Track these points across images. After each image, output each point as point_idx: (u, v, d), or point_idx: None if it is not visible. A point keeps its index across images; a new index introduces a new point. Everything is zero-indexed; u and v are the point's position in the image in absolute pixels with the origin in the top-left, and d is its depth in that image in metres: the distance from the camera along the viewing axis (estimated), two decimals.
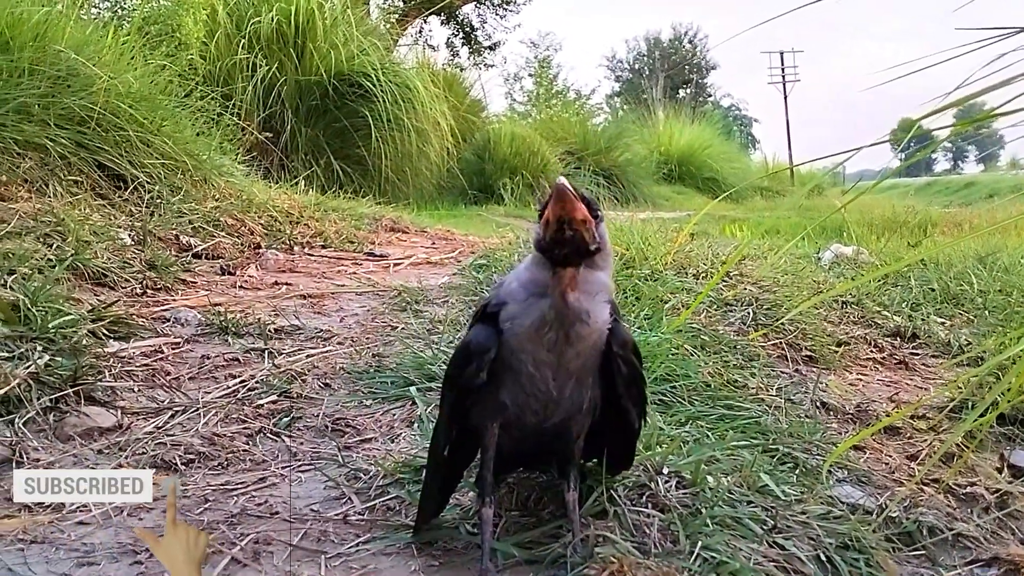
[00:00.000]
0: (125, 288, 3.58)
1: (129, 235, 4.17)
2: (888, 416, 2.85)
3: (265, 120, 9.47)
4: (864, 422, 2.87)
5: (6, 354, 2.37)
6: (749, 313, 3.63)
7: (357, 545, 1.69)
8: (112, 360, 2.63)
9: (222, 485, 1.99)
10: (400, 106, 10.09)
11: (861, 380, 3.41)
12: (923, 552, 1.87)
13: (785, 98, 49.27)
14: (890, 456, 2.59)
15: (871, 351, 3.76)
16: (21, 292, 2.73)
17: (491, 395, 1.57)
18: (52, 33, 4.88)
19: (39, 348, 2.45)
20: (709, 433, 2.31)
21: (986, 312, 4.32)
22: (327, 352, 3.07)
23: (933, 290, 4.71)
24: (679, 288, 3.76)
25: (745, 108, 66.52)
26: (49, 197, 4.17)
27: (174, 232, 4.57)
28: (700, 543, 1.62)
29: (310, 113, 10.03)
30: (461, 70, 21.72)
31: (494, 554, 1.61)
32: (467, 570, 1.61)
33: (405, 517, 1.81)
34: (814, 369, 3.34)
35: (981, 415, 1.98)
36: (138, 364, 2.71)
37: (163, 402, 2.48)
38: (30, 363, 2.33)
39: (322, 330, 3.36)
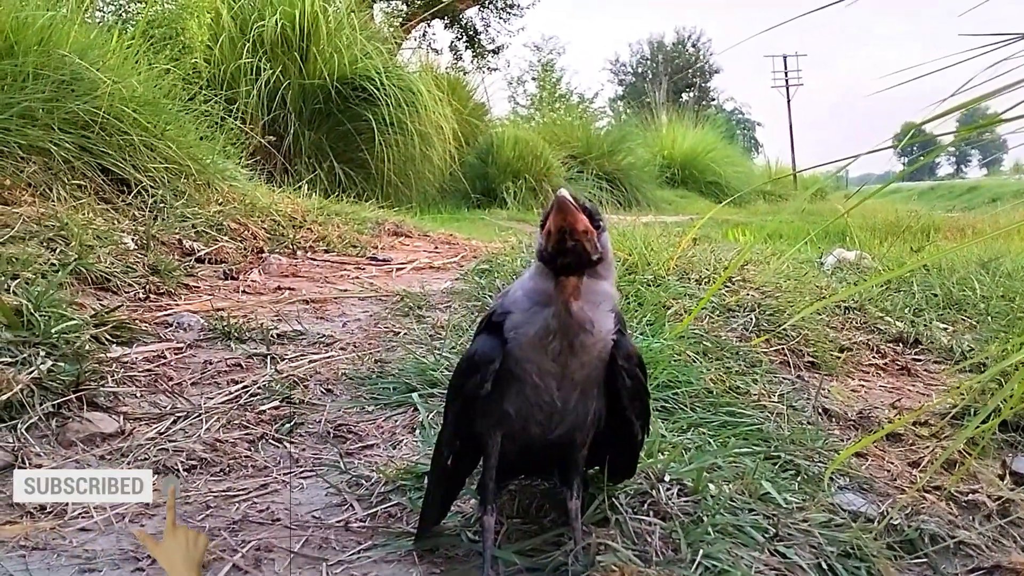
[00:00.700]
0: (128, 293, 3.58)
1: (132, 239, 4.17)
2: (890, 423, 2.85)
3: (268, 124, 9.48)
4: (866, 429, 2.87)
5: (9, 359, 2.37)
6: (751, 319, 3.63)
7: (359, 552, 1.69)
8: (115, 365, 2.63)
9: (224, 491, 1.99)
10: (403, 110, 10.10)
11: (863, 386, 3.41)
12: (925, 560, 1.87)
13: (788, 102, 49.34)
14: (892, 463, 2.59)
15: (873, 357, 3.76)
16: (24, 297, 2.73)
17: (495, 405, 1.57)
18: (56, 37, 4.89)
19: (42, 353, 2.45)
20: (711, 440, 2.31)
21: (989, 318, 4.32)
22: (329, 358, 3.07)
23: (936, 295, 4.71)
24: (681, 294, 3.76)
25: (748, 112, 66.67)
26: (53, 201, 4.17)
27: (177, 236, 4.57)
28: (702, 551, 1.62)
29: (313, 117, 10.04)
30: (464, 74, 21.75)
31: (496, 562, 1.61)
32: None
33: (407, 524, 1.81)
34: (816, 375, 3.34)
35: (983, 422, 1.98)
36: (141, 369, 2.71)
37: (165, 408, 2.49)
38: (33, 368, 2.34)
39: (324, 335, 3.36)
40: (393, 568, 1.64)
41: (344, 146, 10.13)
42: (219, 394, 2.62)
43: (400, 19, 20.61)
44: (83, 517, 1.82)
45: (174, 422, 2.38)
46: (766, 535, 1.74)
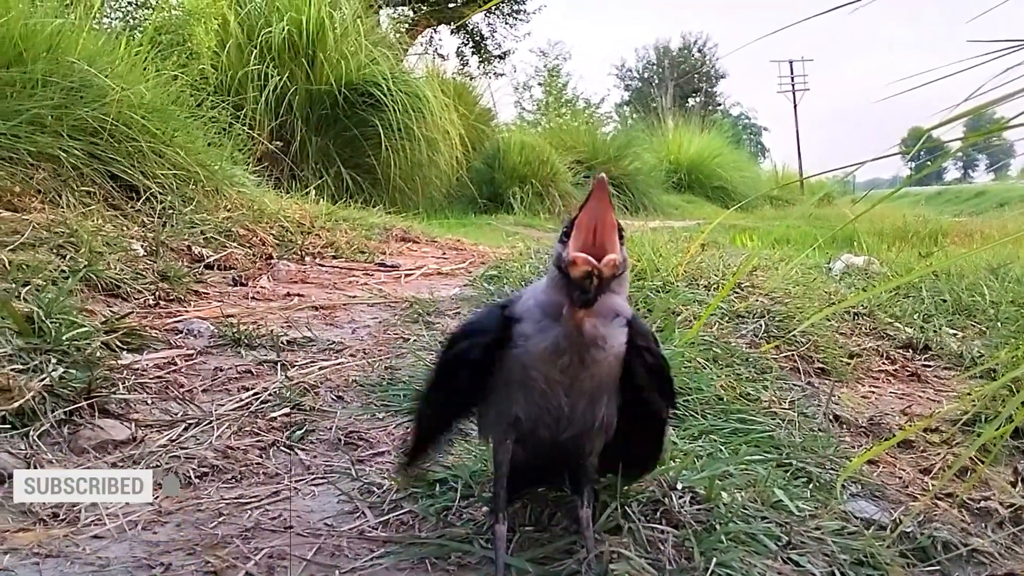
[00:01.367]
0: (138, 299, 3.58)
1: (142, 246, 4.18)
2: (902, 430, 2.84)
3: (276, 130, 9.51)
4: (877, 435, 2.87)
5: (21, 366, 2.38)
6: (761, 325, 3.62)
7: (372, 560, 1.69)
8: (125, 372, 2.64)
9: (236, 498, 1.99)
10: (410, 115, 10.12)
11: (873, 392, 3.40)
12: (938, 568, 1.87)
13: (795, 107, 49.23)
14: (903, 470, 2.59)
15: (883, 363, 3.76)
16: (35, 304, 2.73)
17: (504, 410, 1.57)
18: (65, 44, 4.91)
19: (53, 360, 2.45)
20: (722, 447, 2.30)
21: (998, 324, 4.31)
22: (339, 364, 3.07)
23: (945, 301, 4.70)
24: (691, 300, 3.75)
25: (754, 117, 66.53)
26: (62, 208, 4.18)
27: (186, 243, 4.58)
28: (715, 560, 1.61)
29: (320, 122, 10.06)
30: (471, 79, 21.76)
31: (508, 570, 1.60)
32: None
33: (419, 532, 1.81)
34: (826, 381, 3.34)
35: (996, 429, 1.98)
36: (151, 376, 2.71)
37: (176, 414, 2.49)
38: (44, 375, 2.34)
39: (334, 342, 3.37)
40: None
41: (351, 152, 10.15)
42: (230, 401, 2.62)
43: (406, 25, 20.64)
44: (96, 524, 1.82)
45: (185, 429, 2.38)
46: (779, 543, 1.73)
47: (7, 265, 3.21)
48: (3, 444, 2.10)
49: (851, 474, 2.27)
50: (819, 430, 2.71)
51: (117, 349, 2.86)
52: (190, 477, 2.09)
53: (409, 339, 3.46)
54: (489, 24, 28.72)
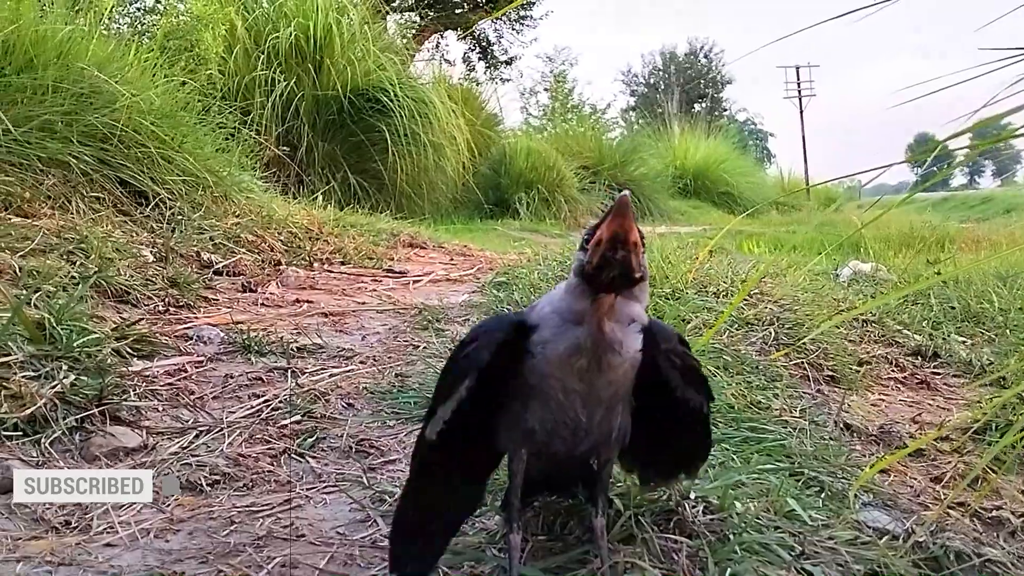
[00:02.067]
0: (148, 305, 3.59)
1: (151, 252, 4.19)
2: (913, 439, 2.84)
3: (283, 135, 9.53)
4: (887, 443, 2.86)
5: (32, 373, 2.38)
6: (770, 332, 3.62)
7: (384, 569, 1.69)
8: (136, 379, 2.64)
9: (248, 506, 1.99)
10: (417, 121, 10.13)
11: (883, 400, 3.40)
12: None
13: (801, 112, 49.29)
14: (915, 479, 2.58)
15: (892, 371, 3.75)
16: (46, 310, 2.74)
17: (519, 420, 1.56)
18: (75, 51, 4.93)
19: (64, 367, 2.46)
20: (734, 456, 2.30)
21: (1008, 331, 4.30)
22: (349, 371, 3.07)
23: (953, 308, 4.69)
24: (700, 307, 3.75)
25: (760, 122, 66.46)
26: (72, 214, 4.20)
27: (195, 249, 4.59)
28: (729, 570, 1.61)
29: (327, 128, 10.08)
30: (477, 84, 21.82)
31: None
32: None
33: None
34: (836, 389, 3.33)
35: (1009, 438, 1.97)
36: (162, 383, 2.71)
37: (187, 422, 2.49)
38: (56, 382, 2.34)
39: (344, 349, 3.37)
40: None
41: (357, 157, 10.16)
42: (241, 408, 2.62)
43: (413, 30, 20.66)
44: (108, 532, 1.82)
45: (196, 436, 2.38)
46: (792, 553, 1.72)
47: (18, 271, 3.22)
48: (15, 451, 2.10)
49: (863, 483, 2.26)
50: (830, 439, 2.70)
51: (128, 356, 2.86)
52: (201, 485, 2.09)
53: (419, 346, 3.46)
54: (496, 30, 28.77)
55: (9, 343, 2.46)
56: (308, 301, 4.30)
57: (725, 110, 61.67)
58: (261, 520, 1.91)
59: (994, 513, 2.32)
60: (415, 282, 5.29)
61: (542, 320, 1.51)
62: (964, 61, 1.95)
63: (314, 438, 2.43)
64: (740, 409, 2.72)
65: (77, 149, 4.49)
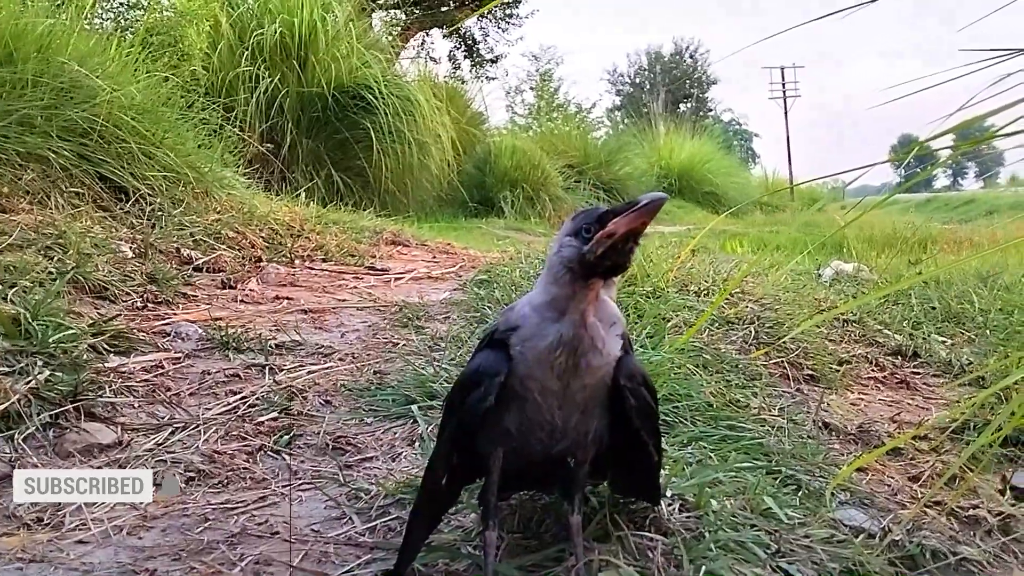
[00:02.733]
0: (126, 302, 3.57)
1: (130, 248, 4.16)
2: (891, 438, 2.84)
3: (266, 132, 9.49)
4: (866, 442, 2.86)
5: (6, 369, 2.36)
6: (751, 331, 3.62)
7: (359, 566, 1.68)
8: (112, 375, 2.62)
9: (222, 503, 1.98)
10: (401, 118, 10.11)
11: (862, 399, 3.40)
12: None
13: (785, 113, 49.50)
14: (892, 478, 2.58)
15: (872, 370, 3.76)
16: (22, 305, 2.72)
17: (497, 422, 1.56)
18: (56, 45, 4.89)
19: (39, 363, 2.44)
20: (712, 454, 2.30)
21: (987, 331, 4.32)
22: (328, 368, 3.06)
23: (934, 308, 4.70)
24: (681, 306, 3.75)
25: (745, 123, 66.62)
26: (50, 209, 4.16)
27: (175, 245, 4.56)
28: (704, 568, 1.60)
29: (311, 125, 10.04)
30: (463, 83, 21.79)
31: None
32: None
33: None
34: (816, 388, 3.33)
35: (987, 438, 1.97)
36: (138, 379, 2.70)
37: (163, 418, 2.47)
38: (30, 378, 2.32)
39: (323, 346, 3.35)
40: None
41: (342, 154, 10.13)
42: (217, 405, 2.61)
43: (399, 28, 20.61)
44: (80, 529, 1.80)
45: (172, 433, 2.36)
46: (768, 551, 1.72)
47: None
48: None
49: (840, 482, 2.27)
50: (808, 437, 2.70)
51: (104, 352, 2.84)
52: (177, 481, 2.07)
53: (398, 343, 3.45)
54: (481, 28, 28.69)
55: None
56: (288, 298, 4.28)
57: (710, 110, 61.84)
58: (235, 517, 1.90)
59: (971, 512, 2.32)
60: (396, 279, 5.28)
61: (521, 319, 1.52)
62: (951, 61, 1.96)
63: (291, 435, 2.41)
64: (719, 407, 2.72)
65: (56, 144, 4.45)
